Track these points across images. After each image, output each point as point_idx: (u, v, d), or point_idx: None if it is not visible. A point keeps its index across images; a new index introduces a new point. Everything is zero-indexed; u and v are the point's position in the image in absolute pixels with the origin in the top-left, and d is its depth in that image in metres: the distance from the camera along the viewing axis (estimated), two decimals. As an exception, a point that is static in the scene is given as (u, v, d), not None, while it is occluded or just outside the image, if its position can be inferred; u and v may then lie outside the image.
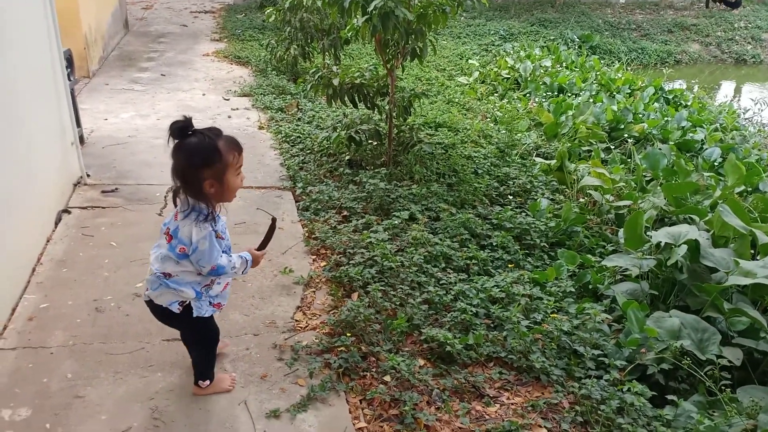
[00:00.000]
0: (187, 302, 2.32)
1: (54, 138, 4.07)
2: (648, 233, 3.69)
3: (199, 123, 6.31)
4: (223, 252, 2.28)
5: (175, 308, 2.31)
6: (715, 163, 5.81)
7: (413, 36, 4.51)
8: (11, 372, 2.61)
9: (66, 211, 4.01)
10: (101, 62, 8.01)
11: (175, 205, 2.27)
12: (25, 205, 3.39)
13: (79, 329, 2.90)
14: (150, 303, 2.37)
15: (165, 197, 4.29)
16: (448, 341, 2.83)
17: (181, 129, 2.15)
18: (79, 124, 4.92)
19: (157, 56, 8.67)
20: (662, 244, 3.49)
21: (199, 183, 2.16)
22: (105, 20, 8.52)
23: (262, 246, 2.41)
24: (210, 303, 2.38)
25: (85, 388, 2.54)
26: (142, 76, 7.60)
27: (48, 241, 3.65)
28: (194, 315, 2.34)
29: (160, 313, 2.37)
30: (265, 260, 3.56)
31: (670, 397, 2.67)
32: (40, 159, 3.76)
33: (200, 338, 2.50)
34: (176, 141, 2.16)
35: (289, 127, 5.79)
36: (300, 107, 6.49)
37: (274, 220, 2.43)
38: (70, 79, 4.62)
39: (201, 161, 2.15)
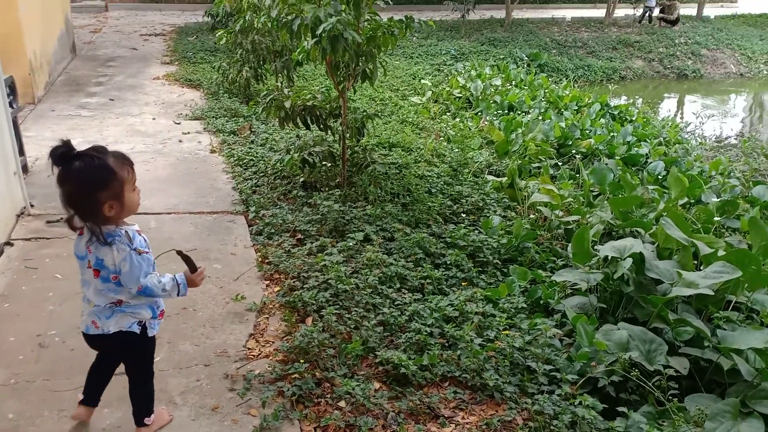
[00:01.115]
0: (144, 322, 2.25)
1: (-6, 168, 3.94)
2: (595, 248, 3.79)
3: (149, 148, 6.22)
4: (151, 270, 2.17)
5: (136, 328, 2.22)
6: (660, 177, 6.02)
7: (363, 58, 4.56)
8: (-52, 415, 2.49)
9: (8, 243, 3.88)
10: (47, 88, 7.83)
11: (74, 231, 2.15)
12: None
13: (21, 366, 2.79)
14: (96, 337, 2.26)
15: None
16: (403, 363, 2.83)
17: (63, 155, 2.00)
18: (22, 153, 4.79)
19: (105, 80, 8.52)
20: (609, 257, 3.58)
21: (98, 207, 2.04)
22: (51, 45, 8.34)
23: (192, 269, 2.30)
24: (155, 318, 2.30)
25: (27, 428, 2.44)
26: (90, 101, 7.45)
27: (-11, 275, 3.52)
28: (149, 335, 2.28)
29: (114, 342, 2.25)
30: (216, 287, 3.54)
31: (621, 408, 2.72)
32: (-20, 190, 3.63)
33: (148, 362, 2.40)
34: (60, 168, 2.01)
35: (241, 150, 5.75)
36: (253, 130, 6.45)
37: (178, 252, 2.31)
38: (12, 107, 4.50)
39: (95, 184, 2.02)
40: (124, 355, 2.39)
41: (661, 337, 3.16)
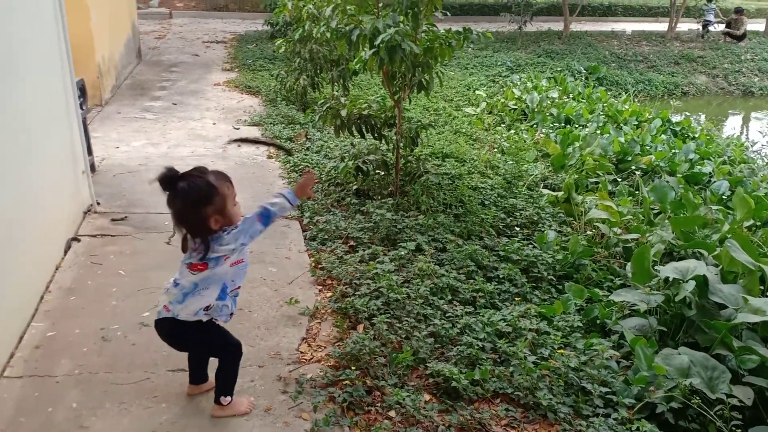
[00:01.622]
0: (211, 306, 2.37)
1: (65, 166, 4.12)
2: (656, 268, 3.68)
3: (210, 152, 6.39)
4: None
5: (202, 315, 2.36)
6: (724, 197, 5.80)
7: (420, 68, 4.57)
8: (17, 401, 2.61)
9: (75, 239, 4.05)
10: (114, 91, 8.15)
11: (185, 251, 2.34)
12: (36, 233, 3.42)
13: (85, 358, 2.90)
14: (167, 322, 2.38)
15: (174, 227, 4.31)
16: (454, 376, 2.81)
17: (170, 178, 2.20)
18: (90, 153, 4.99)
19: (169, 85, 8.81)
20: (670, 279, 3.47)
21: (205, 222, 2.23)
22: (118, 50, 8.68)
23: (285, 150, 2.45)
24: (226, 308, 2.43)
25: (89, 419, 2.53)
26: (154, 104, 7.72)
27: (57, 268, 3.68)
28: (213, 319, 2.42)
29: (181, 330, 2.39)
30: (270, 290, 3.60)
31: (679, 436, 2.63)
32: (52, 187, 3.80)
33: (224, 343, 2.52)
34: (169, 192, 2.22)
35: (297, 157, 5.84)
36: (308, 137, 6.55)
37: (264, 142, 2.47)
38: (82, 108, 4.69)
39: (200, 200, 2.21)
40: (190, 342, 2.54)
41: (724, 364, 3.03)
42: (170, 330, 2.44)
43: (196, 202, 2.20)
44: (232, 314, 2.49)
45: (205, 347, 2.56)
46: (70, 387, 2.71)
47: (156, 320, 2.44)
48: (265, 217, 2.37)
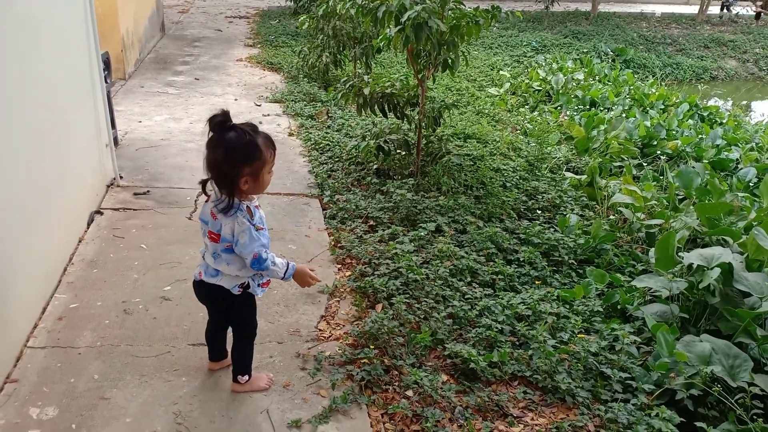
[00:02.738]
0: (246, 283, 2.39)
1: (89, 139, 4.15)
2: (680, 254, 3.61)
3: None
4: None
5: (236, 291, 2.37)
6: (750, 184, 5.69)
7: (445, 47, 4.50)
8: (40, 370, 2.66)
9: (98, 212, 4.09)
10: (137, 65, 8.17)
11: (206, 195, 2.30)
12: (60, 205, 3.46)
13: (107, 330, 2.94)
14: (201, 284, 2.42)
15: (195, 201, 4.35)
16: (472, 358, 2.80)
17: (221, 123, 2.14)
18: (114, 126, 5.02)
19: (191, 60, 8.82)
20: (694, 266, 3.41)
21: (236, 179, 2.17)
22: (142, 24, 8.69)
23: None
24: (259, 285, 2.45)
25: (111, 390, 2.57)
26: (176, 79, 7.73)
27: (80, 241, 3.72)
28: (249, 291, 2.41)
29: (214, 293, 2.40)
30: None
31: (699, 424, 2.60)
32: (76, 159, 3.84)
33: (250, 320, 2.53)
34: (214, 134, 2.15)
35: (318, 135, 5.83)
36: (330, 115, 6.52)
37: None
38: (106, 82, 4.71)
39: (242, 158, 2.15)
40: (220, 308, 2.53)
41: (747, 353, 2.98)
42: (204, 289, 2.45)
43: (238, 157, 2.14)
44: (265, 284, 2.48)
45: (233, 314, 2.51)
46: (92, 358, 2.75)
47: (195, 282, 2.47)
48: (260, 261, 2.26)
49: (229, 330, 2.67)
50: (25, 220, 2.90)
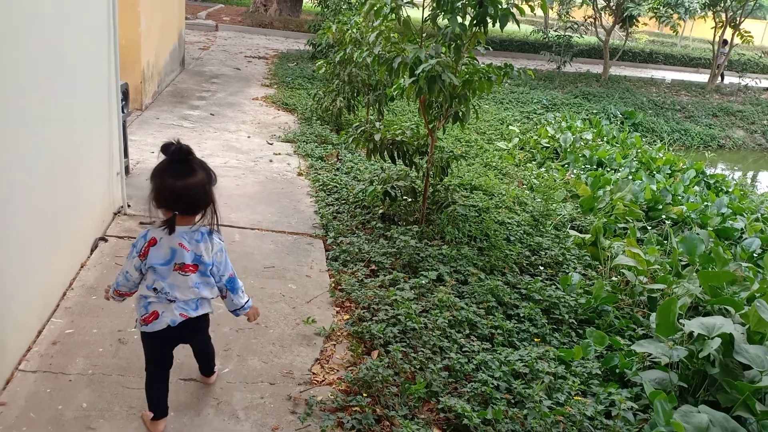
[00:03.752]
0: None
1: (102, 166, 4.21)
2: (681, 321, 3.59)
3: (242, 164, 6.46)
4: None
5: (209, 309, 2.55)
6: (755, 254, 5.67)
7: (457, 100, 4.58)
8: (29, 395, 2.63)
9: (103, 238, 4.11)
10: (155, 97, 8.33)
11: (171, 232, 2.33)
12: (66, 229, 3.48)
13: (100, 359, 2.92)
14: (188, 323, 2.44)
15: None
16: (466, 413, 2.76)
17: (184, 150, 2.26)
18: (126, 155, 5.08)
19: (208, 96, 8.98)
20: (695, 334, 3.38)
21: (214, 200, 2.36)
22: (163, 57, 8.90)
23: None
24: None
25: (98, 420, 2.54)
26: (192, 113, 7.87)
27: (82, 266, 3.73)
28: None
29: (201, 323, 2.54)
30: (288, 307, 3.60)
31: (694, 499, 2.54)
32: (87, 185, 3.88)
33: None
34: (184, 160, 2.26)
35: (327, 176, 5.89)
36: (340, 158, 6.60)
37: None
38: (123, 111, 4.80)
39: (213, 180, 2.33)
40: (202, 336, 2.67)
41: (745, 427, 2.93)
42: (188, 327, 2.48)
43: (213, 179, 2.32)
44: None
45: (206, 334, 2.72)
46: (82, 386, 2.73)
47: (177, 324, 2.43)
48: (235, 280, 2.54)
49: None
50: (32, 241, 2.92)
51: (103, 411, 2.59)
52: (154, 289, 2.37)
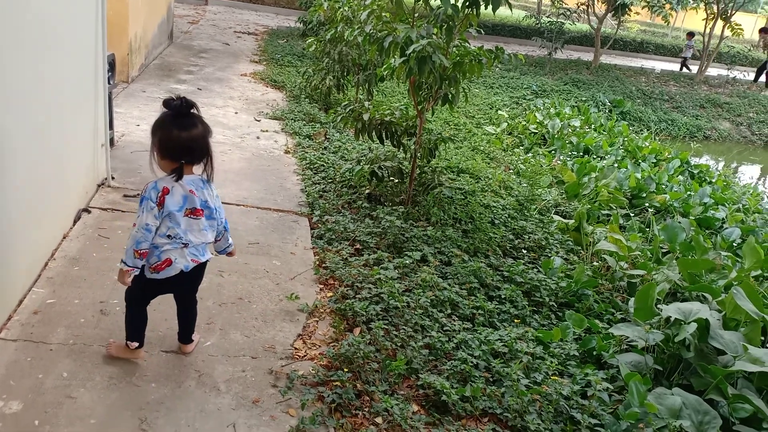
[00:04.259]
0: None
1: (87, 138, 4.16)
2: (659, 306, 3.65)
3: (228, 140, 6.40)
4: None
5: (210, 255, 2.72)
6: (734, 244, 5.76)
7: (447, 82, 4.58)
8: (9, 363, 2.63)
9: (86, 210, 4.08)
10: (141, 69, 8.22)
11: (180, 178, 2.48)
12: (50, 200, 3.46)
13: (81, 329, 2.92)
14: (198, 268, 2.65)
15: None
16: (445, 390, 2.80)
17: (186, 105, 2.41)
18: (111, 127, 5.03)
19: (196, 70, 8.88)
20: (672, 319, 3.45)
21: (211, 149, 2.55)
22: (151, 30, 8.77)
23: None
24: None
25: (78, 390, 2.55)
26: (179, 87, 7.78)
27: (64, 237, 3.71)
28: None
29: (202, 269, 2.69)
30: (272, 283, 3.61)
31: (663, 477, 2.61)
32: (71, 156, 3.84)
33: None
34: (187, 113, 2.42)
35: (314, 155, 5.87)
36: (328, 137, 6.58)
37: None
38: (109, 83, 4.74)
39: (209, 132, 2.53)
40: (197, 284, 2.78)
41: (717, 410, 3.01)
42: (191, 275, 2.64)
43: (209, 130, 2.50)
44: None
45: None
46: (63, 356, 2.73)
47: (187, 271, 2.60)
48: (227, 230, 2.81)
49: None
50: (16, 210, 2.90)
51: (84, 380, 2.60)
52: (168, 236, 2.50)
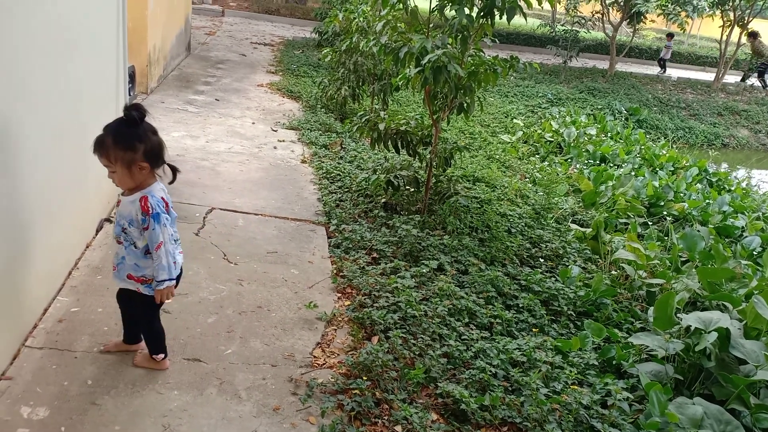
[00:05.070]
0: None
1: (107, 149, 4.23)
2: (678, 315, 3.63)
3: (246, 150, 6.46)
4: None
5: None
6: (754, 252, 5.70)
7: (462, 91, 4.60)
8: (35, 370, 2.67)
9: (108, 219, 4.14)
10: (160, 81, 8.34)
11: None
12: (73, 209, 3.52)
13: (105, 337, 2.96)
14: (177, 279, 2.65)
15: (204, 218, 4.40)
16: (464, 399, 2.80)
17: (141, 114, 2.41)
18: (132, 138, 5.10)
19: (213, 81, 8.99)
20: (692, 328, 3.42)
21: None
22: (169, 41, 8.90)
23: None
24: None
25: (102, 397, 2.58)
26: (197, 98, 7.88)
27: (87, 246, 3.77)
28: None
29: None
30: (291, 291, 3.64)
31: (685, 488, 2.58)
32: (93, 166, 3.89)
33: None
34: (145, 123, 2.41)
35: (330, 164, 5.91)
36: (343, 146, 6.62)
37: None
38: (129, 94, 4.83)
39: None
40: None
41: (739, 420, 2.98)
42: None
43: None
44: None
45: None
46: (87, 363, 2.77)
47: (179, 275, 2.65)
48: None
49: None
50: (42, 219, 2.96)
51: (108, 388, 2.64)
52: (175, 240, 2.60)
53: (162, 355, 2.77)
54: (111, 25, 4.10)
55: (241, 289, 3.57)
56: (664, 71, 19.17)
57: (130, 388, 2.66)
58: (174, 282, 2.57)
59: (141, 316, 2.73)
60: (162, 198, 2.50)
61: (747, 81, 18.78)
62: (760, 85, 18.22)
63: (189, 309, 3.28)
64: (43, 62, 2.92)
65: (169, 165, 2.54)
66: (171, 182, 2.58)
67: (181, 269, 2.69)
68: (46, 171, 3.04)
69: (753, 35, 17.88)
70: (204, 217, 4.41)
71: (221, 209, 4.59)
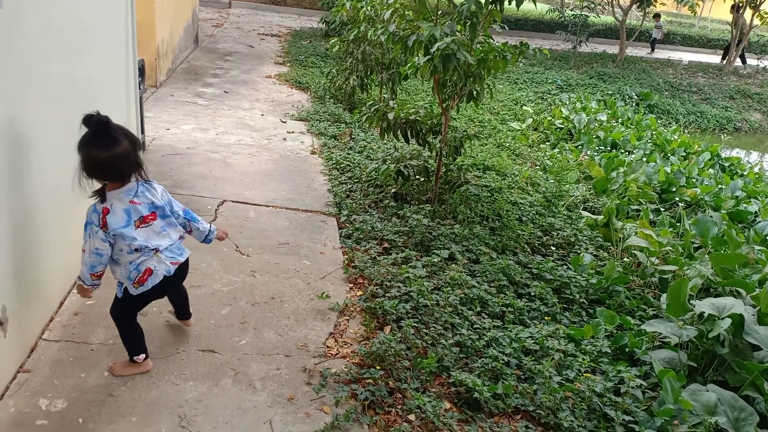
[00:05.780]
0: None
1: (119, 142, 4.25)
2: (691, 302, 3.61)
3: (255, 142, 6.46)
4: None
5: (189, 252, 2.69)
6: (767, 238, 5.66)
7: (471, 79, 4.58)
8: (52, 363, 2.71)
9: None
10: (169, 74, 8.36)
11: (103, 201, 2.45)
12: (86, 203, 3.54)
13: (120, 329, 2.99)
14: (182, 266, 2.64)
15: (216, 210, 4.42)
16: (477, 387, 2.81)
17: (105, 122, 2.34)
18: (142, 132, 5.14)
19: (222, 73, 9.00)
20: (705, 314, 3.41)
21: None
22: (177, 34, 8.91)
23: None
24: None
25: (119, 388, 2.62)
26: (206, 91, 7.90)
27: (101, 240, 3.79)
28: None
29: (185, 268, 2.69)
30: (303, 282, 3.66)
31: (700, 474, 2.59)
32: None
33: None
34: (111, 129, 2.34)
35: (340, 155, 5.91)
36: (353, 136, 6.62)
37: None
38: (140, 88, 4.84)
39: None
40: (181, 282, 2.80)
41: (753, 406, 2.97)
42: (176, 275, 2.63)
43: (137, 144, 2.43)
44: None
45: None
46: (103, 355, 2.81)
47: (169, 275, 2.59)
48: (192, 218, 2.72)
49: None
50: (57, 213, 2.99)
51: (125, 379, 2.67)
52: (136, 250, 2.47)
53: (143, 356, 2.71)
54: (120, 21, 4.11)
55: (254, 281, 3.59)
56: (652, 51, 19.24)
57: (146, 379, 2.70)
58: (83, 283, 2.54)
59: (113, 315, 2.71)
60: (105, 209, 2.41)
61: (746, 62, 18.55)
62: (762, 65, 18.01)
63: (203, 300, 3.30)
64: (58, 61, 2.94)
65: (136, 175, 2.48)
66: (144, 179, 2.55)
67: (182, 270, 2.66)
68: (61, 172, 3.06)
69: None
70: (216, 210, 4.44)
71: (233, 201, 4.61)
